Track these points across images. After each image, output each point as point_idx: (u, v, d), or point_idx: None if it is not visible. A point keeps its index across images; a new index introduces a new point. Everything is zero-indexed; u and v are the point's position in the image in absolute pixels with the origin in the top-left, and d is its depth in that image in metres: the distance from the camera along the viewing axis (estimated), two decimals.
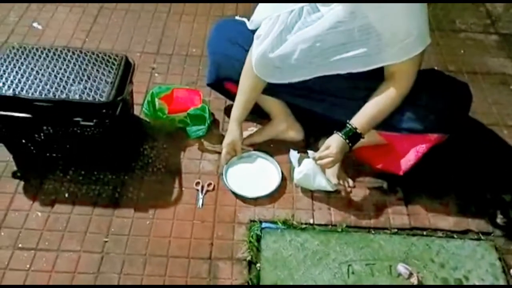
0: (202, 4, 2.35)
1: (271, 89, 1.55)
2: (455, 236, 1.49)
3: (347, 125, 1.40)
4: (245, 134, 1.70)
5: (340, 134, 1.40)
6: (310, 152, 1.48)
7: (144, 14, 2.27)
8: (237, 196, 1.55)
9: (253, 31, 1.49)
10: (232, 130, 1.57)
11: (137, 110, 1.77)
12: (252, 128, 1.75)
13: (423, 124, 1.42)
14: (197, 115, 1.70)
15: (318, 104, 1.55)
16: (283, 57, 1.41)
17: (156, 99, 1.69)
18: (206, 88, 1.85)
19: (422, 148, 1.46)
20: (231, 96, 1.69)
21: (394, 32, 1.29)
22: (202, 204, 1.53)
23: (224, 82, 1.68)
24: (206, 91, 1.85)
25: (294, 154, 1.53)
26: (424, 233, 1.50)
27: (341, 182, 1.58)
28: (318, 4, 1.34)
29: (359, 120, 1.40)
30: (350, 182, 1.62)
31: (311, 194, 1.58)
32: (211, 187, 1.58)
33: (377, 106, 1.40)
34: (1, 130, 1.41)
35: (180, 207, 1.53)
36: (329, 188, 1.51)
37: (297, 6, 1.36)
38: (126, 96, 1.44)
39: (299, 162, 1.52)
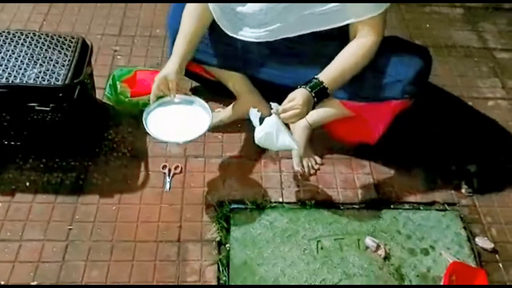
0: None
1: (236, 63, 1.52)
2: (421, 207, 1.52)
3: (313, 79, 1.35)
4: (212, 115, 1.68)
5: (305, 87, 1.32)
6: (273, 104, 1.34)
7: None
8: (158, 141, 1.44)
9: None
10: (169, 64, 1.40)
11: (99, 94, 1.72)
12: (218, 109, 1.73)
13: (386, 91, 1.41)
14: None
15: (281, 75, 1.53)
16: (248, 15, 1.38)
17: (118, 82, 1.64)
18: None
19: (388, 115, 1.46)
20: (193, 75, 1.67)
21: None
22: (169, 188, 1.51)
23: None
24: None
25: (254, 113, 1.37)
26: (391, 206, 1.51)
27: (304, 162, 1.57)
28: None
29: (326, 75, 1.35)
30: (318, 159, 1.62)
31: (280, 172, 1.58)
32: (178, 170, 1.55)
33: (343, 62, 1.36)
34: None
35: (147, 191, 1.50)
36: (294, 146, 1.38)
37: None
38: (84, 79, 1.39)
39: (261, 121, 1.38)
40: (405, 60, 1.42)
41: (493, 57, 2.09)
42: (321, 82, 1.33)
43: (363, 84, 1.42)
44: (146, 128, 1.36)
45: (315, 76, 1.35)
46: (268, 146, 1.39)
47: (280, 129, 1.33)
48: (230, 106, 1.70)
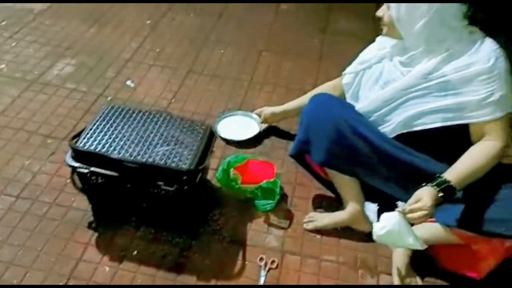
0: (282, 77, 2.44)
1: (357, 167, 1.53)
2: None
3: (437, 177, 1.30)
4: (314, 215, 1.70)
5: (431, 185, 1.29)
6: (399, 203, 1.32)
7: (227, 81, 2.39)
8: (226, 141, 1.99)
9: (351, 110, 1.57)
10: (278, 107, 2.00)
11: (209, 174, 1.81)
12: (321, 210, 1.74)
13: (503, 228, 1.32)
14: (268, 188, 1.71)
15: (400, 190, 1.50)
16: (365, 111, 1.52)
17: (231, 169, 1.73)
18: (279, 161, 1.89)
19: (501, 253, 1.37)
20: (310, 169, 1.71)
21: (474, 92, 1.31)
22: (264, 283, 1.50)
23: (305, 155, 1.64)
24: (278, 163, 1.87)
25: (371, 208, 1.37)
26: None
27: (408, 281, 1.50)
28: (398, 65, 1.45)
29: (452, 173, 1.31)
30: (419, 281, 1.53)
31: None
32: (274, 265, 1.55)
33: (470, 162, 1.32)
34: (88, 183, 1.49)
35: (242, 281, 1.51)
36: (418, 247, 1.32)
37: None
38: (206, 165, 1.49)
39: (378, 215, 1.35)
40: None
41: None
42: (448, 181, 1.29)
43: (477, 214, 1.35)
44: (217, 131, 1.97)
45: (439, 175, 1.32)
46: (389, 243, 1.37)
47: (404, 228, 1.30)
48: (333, 214, 1.69)
